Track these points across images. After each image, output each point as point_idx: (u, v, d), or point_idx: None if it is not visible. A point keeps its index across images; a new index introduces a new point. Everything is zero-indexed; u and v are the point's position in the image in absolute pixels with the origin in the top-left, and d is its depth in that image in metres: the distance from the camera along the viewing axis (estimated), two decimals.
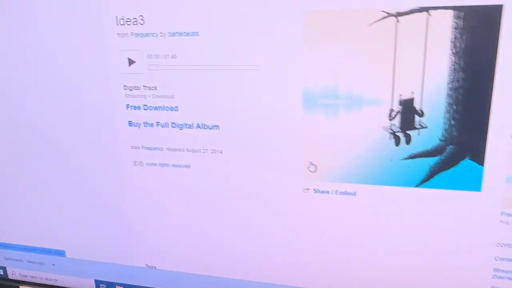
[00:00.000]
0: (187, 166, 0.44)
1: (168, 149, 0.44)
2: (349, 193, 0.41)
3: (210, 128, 0.43)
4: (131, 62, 0.42)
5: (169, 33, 0.41)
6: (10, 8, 0.44)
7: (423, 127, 0.38)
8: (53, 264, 0.54)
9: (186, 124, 0.43)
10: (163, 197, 0.46)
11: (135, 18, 0.41)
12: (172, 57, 0.41)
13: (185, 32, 0.40)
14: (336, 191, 0.41)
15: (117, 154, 0.46)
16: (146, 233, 0.49)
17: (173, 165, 0.45)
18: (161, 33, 0.41)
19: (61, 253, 0.53)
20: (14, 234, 0.54)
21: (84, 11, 0.42)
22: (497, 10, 0.34)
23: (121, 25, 0.42)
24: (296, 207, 0.43)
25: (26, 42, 0.45)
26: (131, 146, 0.45)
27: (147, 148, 0.45)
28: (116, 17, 0.41)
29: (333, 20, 0.37)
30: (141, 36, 0.41)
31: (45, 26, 0.43)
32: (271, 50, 0.39)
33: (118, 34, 0.42)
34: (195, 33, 0.40)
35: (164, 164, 0.45)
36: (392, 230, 0.41)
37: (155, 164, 0.45)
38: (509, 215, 0.38)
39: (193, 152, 0.44)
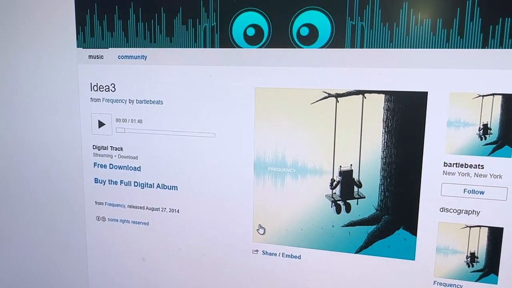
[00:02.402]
0: (146, 224, 0.47)
1: (130, 206, 0.47)
2: (294, 256, 0.44)
3: (169, 188, 0.46)
4: (101, 124, 0.46)
5: (137, 100, 0.45)
6: None
7: (361, 197, 0.41)
8: None
9: (147, 184, 0.46)
10: (122, 252, 0.48)
11: (107, 86, 0.45)
12: (138, 121, 0.45)
13: (151, 100, 0.45)
14: (283, 254, 0.44)
15: (81, 208, 0.49)
16: (104, 286, 0.50)
17: (133, 222, 0.47)
18: (129, 100, 0.45)
19: None
20: None
21: (62, 76, 0.46)
22: (423, 96, 0.38)
23: (95, 91, 0.46)
24: (246, 267, 0.45)
25: (4, 100, 0.49)
26: (95, 201, 0.48)
27: (110, 205, 0.48)
28: (91, 83, 0.46)
29: (280, 97, 0.41)
30: (111, 102, 0.46)
31: (25, 85, 0.48)
32: (226, 121, 0.43)
33: (91, 98, 0.46)
34: (160, 102, 0.44)
35: (125, 220, 0.48)
36: None
37: (117, 220, 0.48)
38: (441, 284, 0.40)
39: (153, 210, 0.47)
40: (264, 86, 0.41)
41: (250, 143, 0.43)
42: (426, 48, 0.37)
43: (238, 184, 0.44)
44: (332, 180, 0.41)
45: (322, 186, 0.42)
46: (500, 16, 0.36)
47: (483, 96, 0.37)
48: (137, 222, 0.47)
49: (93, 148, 0.47)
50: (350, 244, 0.42)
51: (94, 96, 0.46)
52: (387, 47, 0.38)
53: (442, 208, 0.39)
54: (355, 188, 0.41)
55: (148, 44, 0.43)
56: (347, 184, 0.41)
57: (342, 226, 0.42)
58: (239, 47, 0.41)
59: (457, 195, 0.39)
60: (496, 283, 0.39)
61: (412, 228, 0.40)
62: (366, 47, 0.39)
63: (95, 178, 0.48)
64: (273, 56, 0.41)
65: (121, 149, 0.46)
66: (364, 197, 0.41)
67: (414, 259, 0.41)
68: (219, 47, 0.42)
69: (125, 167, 0.47)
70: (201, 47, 0.42)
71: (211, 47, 0.42)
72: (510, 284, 0.39)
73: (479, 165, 0.38)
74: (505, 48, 0.36)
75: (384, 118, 0.39)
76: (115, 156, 0.47)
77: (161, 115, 0.44)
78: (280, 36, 0.40)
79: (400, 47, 0.38)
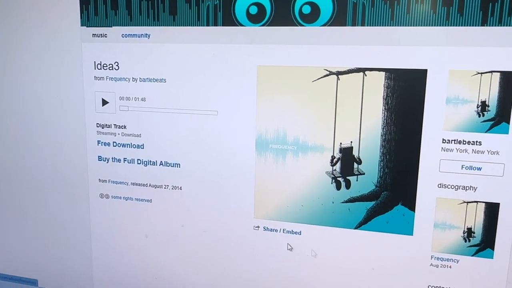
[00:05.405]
0: (149, 201, 0.48)
1: (133, 183, 0.48)
2: (295, 232, 0.44)
3: (172, 166, 0.46)
4: (104, 102, 0.47)
5: (140, 78, 0.45)
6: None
7: (360, 174, 0.42)
8: None
9: (150, 161, 0.47)
10: (126, 229, 0.49)
11: (110, 64, 0.46)
12: (142, 99, 0.46)
13: (154, 78, 0.45)
14: (283, 230, 0.45)
15: (85, 185, 0.49)
16: (108, 264, 0.51)
17: (136, 199, 0.48)
18: (133, 78, 0.46)
19: (33, 282, 0.55)
20: None
21: (66, 54, 0.47)
22: (422, 73, 0.39)
23: (98, 69, 0.46)
24: (247, 243, 0.46)
25: (8, 79, 0.49)
26: (99, 179, 0.49)
27: (113, 182, 0.48)
28: (94, 62, 0.46)
29: (282, 75, 0.42)
30: (115, 80, 0.46)
31: (29, 65, 0.48)
32: (229, 98, 0.43)
33: (95, 77, 0.47)
34: (163, 80, 0.45)
35: (128, 197, 0.48)
36: (332, 268, 0.44)
37: (120, 198, 0.49)
38: (438, 258, 0.41)
39: (155, 187, 0.47)
40: (266, 64, 0.42)
41: (252, 120, 0.43)
42: (426, 26, 0.38)
43: (240, 161, 0.44)
44: (333, 157, 0.42)
45: (323, 163, 0.42)
46: None
47: (481, 73, 0.38)
48: (140, 199, 0.48)
49: (97, 126, 0.48)
50: (349, 220, 0.43)
51: (98, 75, 0.46)
52: (387, 25, 0.39)
53: (440, 184, 0.40)
54: (355, 165, 0.42)
55: (151, 23, 0.44)
56: (347, 161, 0.42)
57: (342, 202, 0.43)
58: (241, 25, 0.42)
59: (455, 171, 0.40)
60: (492, 258, 0.40)
61: (410, 204, 0.41)
62: (367, 25, 0.39)
63: (98, 156, 0.48)
64: (275, 34, 0.41)
65: (125, 127, 0.47)
66: (364, 174, 0.42)
67: (412, 234, 0.41)
68: (222, 25, 0.42)
69: (128, 145, 0.47)
70: (204, 25, 0.43)
71: (214, 25, 0.42)
72: (505, 259, 0.40)
73: (476, 141, 0.39)
74: (504, 26, 0.36)
75: (384, 95, 0.40)
76: (118, 134, 0.47)
77: (164, 93, 0.45)
78: (282, 14, 0.41)
79: (400, 25, 0.38)
